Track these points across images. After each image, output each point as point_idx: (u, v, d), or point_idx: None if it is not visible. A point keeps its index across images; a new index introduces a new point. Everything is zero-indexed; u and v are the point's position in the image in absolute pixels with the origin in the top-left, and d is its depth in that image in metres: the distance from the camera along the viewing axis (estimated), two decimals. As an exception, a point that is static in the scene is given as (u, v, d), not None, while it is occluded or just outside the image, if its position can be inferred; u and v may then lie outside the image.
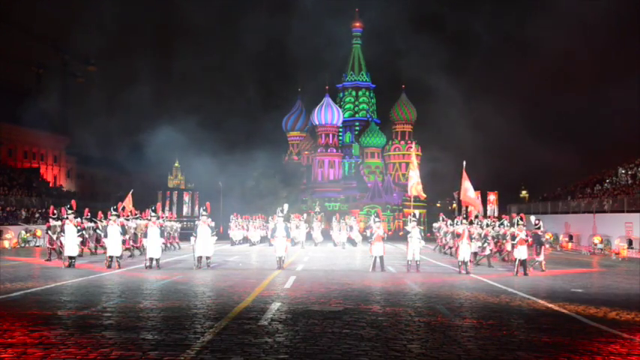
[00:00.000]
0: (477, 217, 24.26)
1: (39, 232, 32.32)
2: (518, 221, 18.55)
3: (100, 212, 24.38)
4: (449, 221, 25.81)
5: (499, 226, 22.70)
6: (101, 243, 22.37)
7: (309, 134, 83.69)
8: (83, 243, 22.29)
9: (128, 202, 22.74)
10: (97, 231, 22.95)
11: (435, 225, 31.62)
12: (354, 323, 9.35)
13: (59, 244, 22.41)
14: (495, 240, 22.25)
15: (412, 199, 24.80)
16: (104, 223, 22.35)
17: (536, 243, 19.30)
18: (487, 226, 22.38)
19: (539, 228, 19.73)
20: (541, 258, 19.06)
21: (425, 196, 21.24)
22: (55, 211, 24.25)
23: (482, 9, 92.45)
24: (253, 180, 66.84)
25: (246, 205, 59.63)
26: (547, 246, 23.03)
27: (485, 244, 20.79)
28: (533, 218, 21.46)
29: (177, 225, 31.73)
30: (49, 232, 22.32)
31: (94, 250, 24.26)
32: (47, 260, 21.17)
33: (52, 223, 22.76)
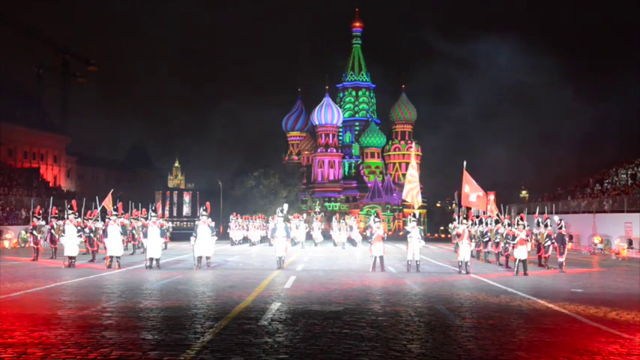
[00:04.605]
0: (477, 217, 24.18)
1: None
2: (518, 221, 18.53)
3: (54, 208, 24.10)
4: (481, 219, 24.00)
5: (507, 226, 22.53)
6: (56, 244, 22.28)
7: (309, 134, 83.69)
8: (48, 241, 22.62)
9: (108, 202, 22.62)
10: (52, 231, 22.80)
11: (451, 226, 31.24)
12: (354, 323, 9.35)
13: (51, 243, 22.52)
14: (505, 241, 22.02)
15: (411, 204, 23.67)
16: (60, 222, 22.27)
17: (559, 243, 19.36)
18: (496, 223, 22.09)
19: (561, 228, 19.79)
20: (563, 258, 19.09)
21: (421, 203, 21.04)
22: (41, 211, 24.26)
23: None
24: (253, 180, 66.80)
25: (246, 205, 59.67)
26: (568, 246, 23.05)
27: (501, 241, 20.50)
28: (556, 218, 21.38)
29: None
30: (34, 231, 22.31)
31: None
32: (34, 260, 21.13)
33: (38, 222, 22.76)
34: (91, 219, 22.55)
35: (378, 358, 7.24)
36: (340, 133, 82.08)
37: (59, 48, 72.33)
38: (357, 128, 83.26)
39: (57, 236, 22.26)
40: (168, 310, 10.45)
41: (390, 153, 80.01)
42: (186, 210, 52.43)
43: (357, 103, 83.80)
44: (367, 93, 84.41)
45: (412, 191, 20.50)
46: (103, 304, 11.01)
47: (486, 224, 23.07)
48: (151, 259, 18.36)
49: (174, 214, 51.27)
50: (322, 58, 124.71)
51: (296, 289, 13.64)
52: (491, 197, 28.03)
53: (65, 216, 20.43)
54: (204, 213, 18.82)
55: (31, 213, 30.28)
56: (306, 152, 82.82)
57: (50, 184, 60.65)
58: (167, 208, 49.10)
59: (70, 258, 18.73)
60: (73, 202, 22.86)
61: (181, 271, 17.65)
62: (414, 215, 19.04)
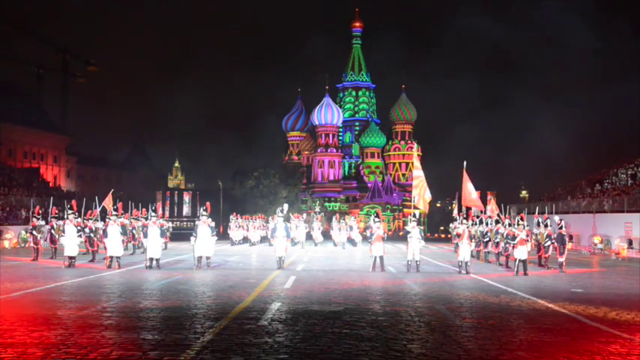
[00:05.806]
0: (477, 217, 24.18)
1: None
2: (518, 221, 18.52)
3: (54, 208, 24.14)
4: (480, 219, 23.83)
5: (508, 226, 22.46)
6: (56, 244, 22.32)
7: (309, 134, 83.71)
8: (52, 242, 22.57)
9: (108, 203, 22.60)
10: (52, 231, 22.82)
11: (451, 225, 31.12)
12: (354, 323, 9.35)
13: (51, 243, 22.54)
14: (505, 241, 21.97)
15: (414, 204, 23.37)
16: (61, 222, 22.30)
17: (559, 243, 19.37)
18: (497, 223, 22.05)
19: (561, 228, 19.82)
20: (563, 258, 19.10)
21: (430, 198, 20.95)
22: (41, 211, 24.24)
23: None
24: (253, 180, 66.80)
25: (246, 205, 59.67)
26: (568, 246, 23.07)
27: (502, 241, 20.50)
28: (556, 218, 21.36)
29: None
30: (34, 231, 22.30)
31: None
32: (34, 260, 21.12)
33: (37, 222, 22.76)
34: (91, 219, 22.53)
35: (378, 358, 7.24)
36: (340, 133, 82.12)
37: (59, 48, 72.42)
38: (357, 128, 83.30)
39: (57, 236, 22.24)
40: (168, 310, 10.45)
41: (390, 153, 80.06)
42: (186, 210, 52.47)
43: (357, 103, 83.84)
44: (367, 93, 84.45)
45: (420, 191, 20.41)
46: (103, 304, 11.00)
47: (486, 224, 23.06)
48: (151, 259, 18.36)
49: (175, 214, 51.31)
50: (322, 58, 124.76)
51: (296, 289, 13.64)
52: (491, 197, 28.06)
53: (65, 216, 20.41)
54: (204, 213, 18.81)
55: (31, 213, 30.23)
56: (306, 152, 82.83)
57: (50, 184, 60.62)
58: (167, 208, 49.12)
59: (70, 258, 18.73)
60: (73, 202, 22.84)
61: (181, 271, 17.65)
62: (414, 215, 19.05)
